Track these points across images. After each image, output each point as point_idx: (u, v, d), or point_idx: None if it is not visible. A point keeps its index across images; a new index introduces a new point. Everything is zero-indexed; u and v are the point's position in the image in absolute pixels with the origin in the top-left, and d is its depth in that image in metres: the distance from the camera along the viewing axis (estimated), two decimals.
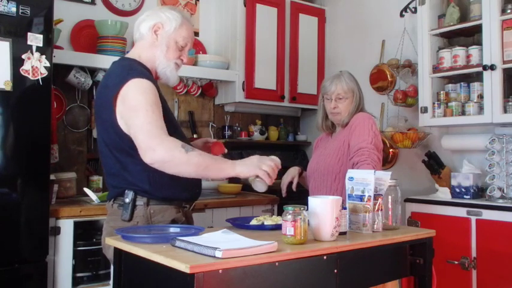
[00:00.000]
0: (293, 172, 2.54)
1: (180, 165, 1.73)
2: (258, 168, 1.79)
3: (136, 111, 1.76)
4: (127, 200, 1.87)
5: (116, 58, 2.98)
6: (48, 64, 2.41)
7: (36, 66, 2.38)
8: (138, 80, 1.81)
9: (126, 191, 1.88)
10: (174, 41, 1.96)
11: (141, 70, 1.90)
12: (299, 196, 2.52)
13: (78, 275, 2.65)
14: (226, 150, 2.16)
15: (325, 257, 1.57)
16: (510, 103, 2.82)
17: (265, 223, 1.89)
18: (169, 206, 1.92)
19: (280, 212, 2.81)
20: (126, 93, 1.80)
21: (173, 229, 1.75)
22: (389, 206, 1.94)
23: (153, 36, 1.96)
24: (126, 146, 1.83)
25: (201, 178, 1.95)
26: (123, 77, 1.82)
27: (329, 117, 2.48)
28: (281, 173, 2.76)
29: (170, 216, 1.92)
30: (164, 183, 1.87)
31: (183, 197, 1.98)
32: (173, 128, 1.93)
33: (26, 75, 2.35)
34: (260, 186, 1.83)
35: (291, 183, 2.50)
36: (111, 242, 1.68)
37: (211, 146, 2.15)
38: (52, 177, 2.59)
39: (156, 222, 1.88)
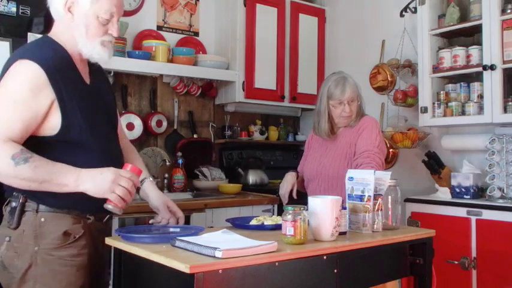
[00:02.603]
0: (291, 179, 2.52)
1: (8, 179, 1.53)
2: (110, 191, 1.55)
3: None
4: (14, 204, 1.61)
5: (116, 58, 3.05)
6: None
7: None
8: (24, 62, 1.56)
9: (15, 193, 1.61)
10: (94, 17, 1.64)
11: (40, 52, 1.61)
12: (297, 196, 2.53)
13: None
14: (141, 172, 1.72)
15: (325, 257, 1.57)
16: (510, 103, 2.81)
17: (265, 223, 1.89)
18: (65, 215, 1.63)
19: (280, 212, 2.81)
20: (4, 76, 1.58)
21: (173, 229, 1.75)
22: (389, 206, 1.94)
23: (67, 15, 1.64)
24: None
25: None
26: (14, 58, 1.60)
27: (337, 121, 2.45)
28: (279, 176, 2.77)
29: (64, 227, 1.62)
30: None
31: (84, 207, 1.64)
32: (98, 118, 1.71)
33: None
34: (112, 209, 1.59)
35: (291, 190, 2.50)
36: (111, 242, 1.68)
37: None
38: None
39: (46, 233, 1.60)
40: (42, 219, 1.61)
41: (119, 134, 1.91)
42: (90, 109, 1.67)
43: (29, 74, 1.55)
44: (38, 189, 1.53)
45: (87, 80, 1.74)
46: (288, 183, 2.51)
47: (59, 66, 1.60)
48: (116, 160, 1.74)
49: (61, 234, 1.60)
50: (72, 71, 1.67)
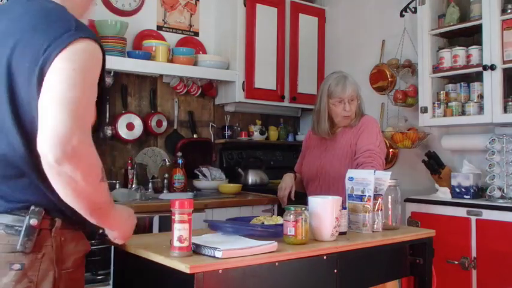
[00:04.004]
0: (289, 181, 2.53)
1: (81, 194, 1.18)
2: (130, 237, 1.46)
3: (74, 85, 1.19)
4: (33, 222, 1.25)
5: (116, 58, 3.05)
6: None
7: None
8: (91, 44, 1.26)
9: (34, 207, 1.26)
10: None
11: (88, 28, 1.33)
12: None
13: None
14: None
15: (325, 257, 1.58)
16: (510, 103, 2.81)
17: (265, 223, 1.89)
18: (81, 233, 1.37)
19: (280, 212, 2.81)
20: (73, 56, 1.21)
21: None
22: (389, 206, 1.94)
23: None
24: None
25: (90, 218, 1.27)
26: (69, 30, 1.24)
27: (337, 121, 2.46)
28: (279, 176, 2.77)
29: (86, 246, 1.38)
30: None
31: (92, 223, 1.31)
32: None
33: None
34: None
35: (289, 192, 2.51)
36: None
37: None
38: None
39: (67, 255, 1.31)
40: (63, 239, 1.30)
41: None
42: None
43: (99, 57, 1.29)
44: (87, 216, 1.24)
45: None
46: (286, 186, 2.52)
47: None
48: None
49: (82, 256, 1.36)
50: None
